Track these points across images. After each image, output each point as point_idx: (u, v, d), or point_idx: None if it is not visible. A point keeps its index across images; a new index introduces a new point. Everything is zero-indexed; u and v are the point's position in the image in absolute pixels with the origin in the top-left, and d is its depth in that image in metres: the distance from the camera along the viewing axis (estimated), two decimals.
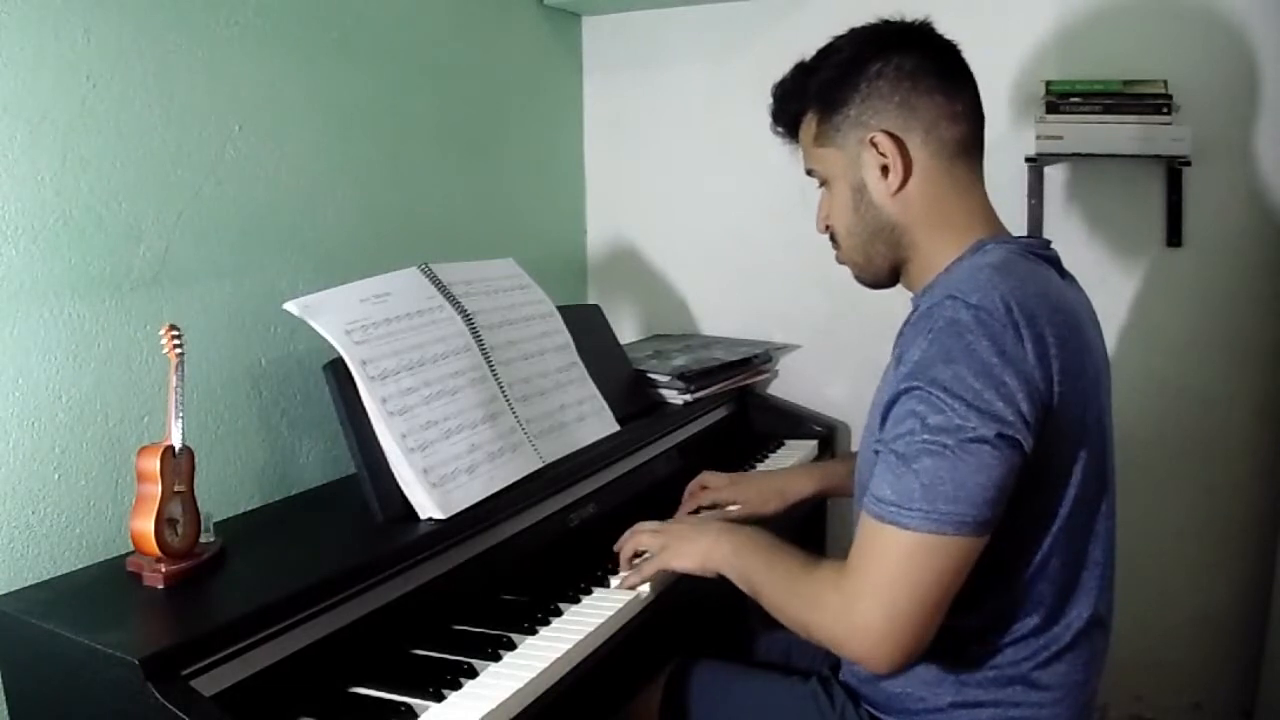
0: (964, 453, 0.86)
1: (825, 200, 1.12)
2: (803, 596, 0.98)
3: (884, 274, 1.11)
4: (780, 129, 1.15)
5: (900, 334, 1.07)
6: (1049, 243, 1.07)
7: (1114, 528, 1.03)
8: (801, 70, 1.12)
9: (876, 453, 0.94)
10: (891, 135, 1.02)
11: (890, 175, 1.03)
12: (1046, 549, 0.95)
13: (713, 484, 1.47)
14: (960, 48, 1.07)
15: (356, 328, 1.18)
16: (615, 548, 1.24)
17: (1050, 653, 0.98)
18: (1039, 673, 0.98)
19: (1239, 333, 1.71)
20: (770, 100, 1.15)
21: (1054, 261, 1.05)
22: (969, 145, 1.05)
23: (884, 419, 0.94)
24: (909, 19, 1.08)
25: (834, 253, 1.14)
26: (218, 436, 1.29)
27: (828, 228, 1.13)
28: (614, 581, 1.20)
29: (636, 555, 1.21)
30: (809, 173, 1.13)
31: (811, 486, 1.46)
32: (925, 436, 0.87)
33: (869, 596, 0.89)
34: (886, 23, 1.08)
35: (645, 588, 1.17)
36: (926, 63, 1.04)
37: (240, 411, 1.32)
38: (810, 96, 1.10)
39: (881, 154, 1.03)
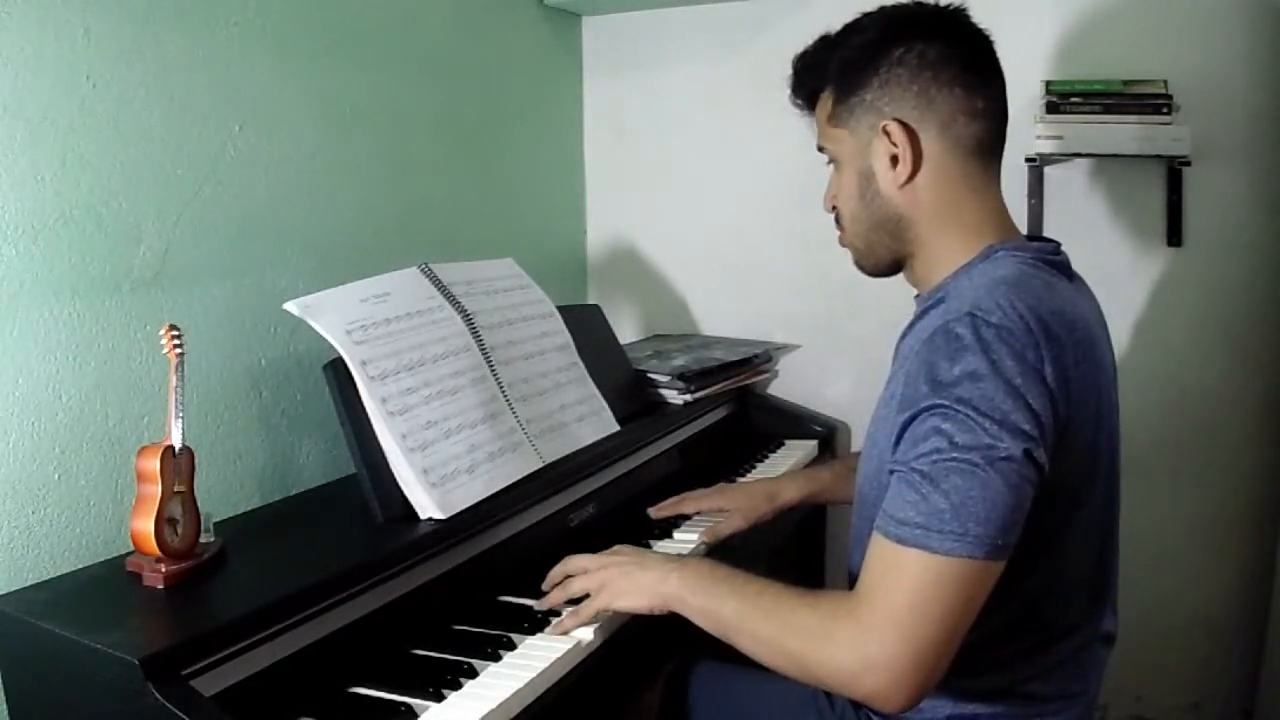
0: (995, 472, 0.82)
1: (834, 180, 1.09)
2: (802, 629, 0.89)
3: (884, 264, 1.08)
4: (799, 101, 1.12)
5: (902, 339, 1.06)
6: (1059, 246, 1.04)
7: (1118, 544, 1.02)
8: (824, 45, 1.08)
9: (892, 472, 0.88)
10: (904, 125, 0.99)
11: (899, 166, 1.00)
12: (1052, 568, 0.94)
13: (695, 495, 1.44)
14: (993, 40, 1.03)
15: (356, 328, 1.18)
16: (545, 588, 1.14)
17: (1051, 666, 0.97)
18: (1038, 684, 0.97)
19: (1239, 333, 1.71)
20: (790, 71, 1.11)
21: (1064, 267, 1.03)
22: (987, 144, 1.01)
23: (899, 437, 0.89)
24: (943, 3, 1.04)
25: (837, 235, 1.12)
26: (218, 436, 1.29)
27: (834, 208, 1.10)
28: (566, 611, 1.09)
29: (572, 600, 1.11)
30: (820, 149, 1.10)
31: (800, 492, 1.44)
32: (954, 455, 0.83)
33: (890, 626, 0.83)
34: (919, 5, 1.04)
35: (588, 632, 1.07)
36: (951, 53, 0.99)
37: (240, 411, 1.32)
38: (830, 73, 1.06)
39: (893, 143, 1.00)
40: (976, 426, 0.83)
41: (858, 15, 1.07)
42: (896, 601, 0.83)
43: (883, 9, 1.05)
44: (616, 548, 1.13)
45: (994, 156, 1.03)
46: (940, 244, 1.02)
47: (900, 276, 1.11)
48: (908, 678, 0.82)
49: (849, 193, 1.06)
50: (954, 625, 0.83)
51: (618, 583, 1.05)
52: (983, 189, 1.02)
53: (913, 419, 0.87)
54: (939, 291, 1.01)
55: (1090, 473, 0.94)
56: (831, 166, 1.10)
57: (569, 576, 1.12)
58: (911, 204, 1.02)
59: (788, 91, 1.13)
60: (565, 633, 1.07)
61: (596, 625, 1.08)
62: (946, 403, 0.85)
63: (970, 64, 1.01)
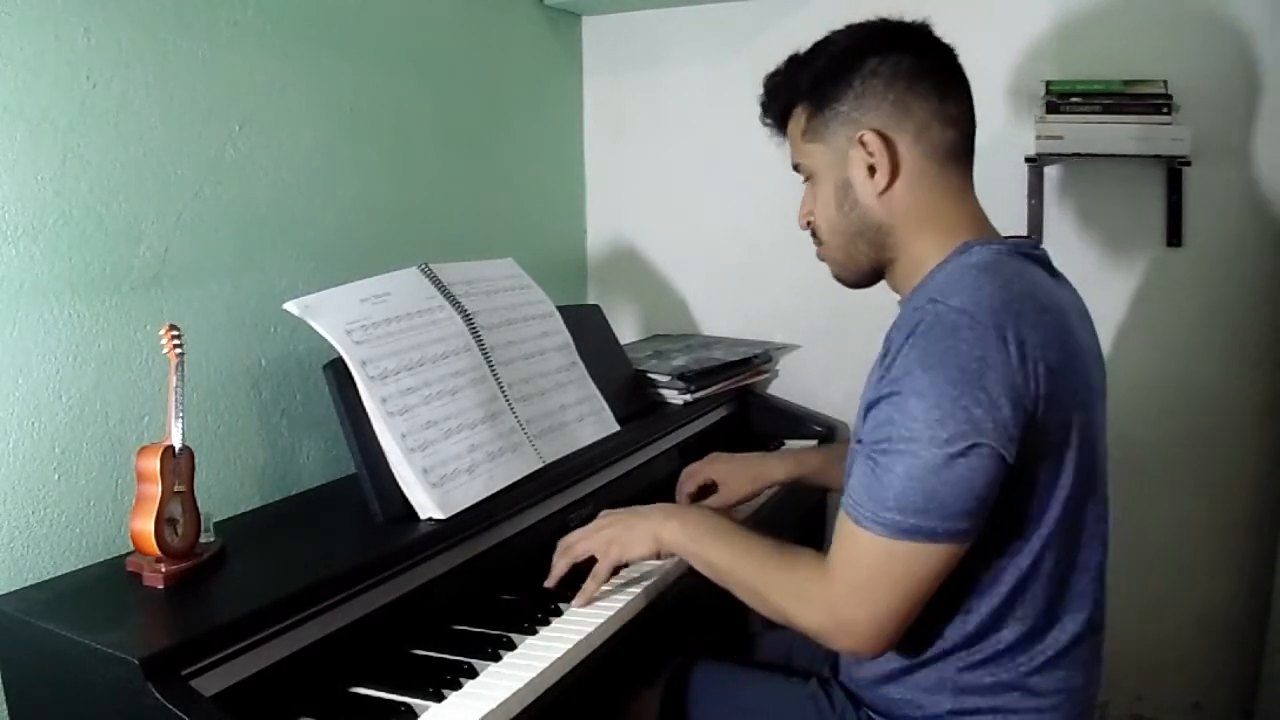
0: (935, 462, 0.86)
1: (809, 195, 1.11)
2: (783, 588, 0.98)
3: (865, 273, 1.10)
4: (769, 121, 1.14)
5: (887, 336, 1.08)
6: (1038, 243, 1.07)
7: (1107, 532, 1.03)
8: (795, 63, 1.10)
9: (855, 450, 0.95)
10: (881, 134, 1.01)
11: (877, 175, 1.02)
12: (1035, 554, 0.95)
13: (690, 469, 1.49)
14: (957, 50, 1.06)
15: (356, 328, 1.18)
16: (551, 580, 1.17)
17: (1046, 658, 0.97)
18: (1036, 679, 0.97)
19: (1239, 332, 1.71)
20: (761, 92, 1.13)
21: (1043, 261, 1.04)
22: (960, 149, 1.04)
23: (865, 420, 0.94)
24: (908, 19, 1.06)
25: (815, 250, 1.13)
26: (218, 436, 1.29)
27: (809, 223, 1.12)
28: (568, 614, 1.11)
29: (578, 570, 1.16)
30: (795, 167, 1.12)
31: (786, 472, 1.46)
32: (901, 444, 0.88)
33: (851, 597, 0.91)
34: (885, 21, 1.07)
35: (617, 609, 1.11)
36: (923, 63, 1.02)
37: (240, 411, 1.32)
38: (802, 90, 1.08)
39: (869, 153, 1.02)
40: (921, 416, 0.87)
41: (830, 31, 1.09)
42: (857, 575, 0.91)
43: (849, 25, 1.08)
44: (605, 512, 1.19)
45: (966, 162, 1.06)
46: (919, 248, 1.04)
47: None
48: (872, 638, 0.92)
49: (827, 205, 1.07)
50: (912, 596, 0.90)
51: (621, 537, 1.12)
52: (959, 193, 1.05)
53: (873, 404, 0.92)
54: (917, 290, 1.03)
55: (1063, 454, 0.94)
56: (806, 183, 1.11)
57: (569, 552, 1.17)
58: (890, 211, 1.04)
59: (759, 113, 1.14)
60: (589, 600, 1.13)
61: (612, 612, 1.11)
62: (899, 391, 0.89)
63: (941, 74, 1.04)
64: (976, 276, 0.93)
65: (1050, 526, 0.94)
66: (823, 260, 1.13)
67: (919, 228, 1.03)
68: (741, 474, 1.46)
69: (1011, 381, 0.87)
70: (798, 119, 1.09)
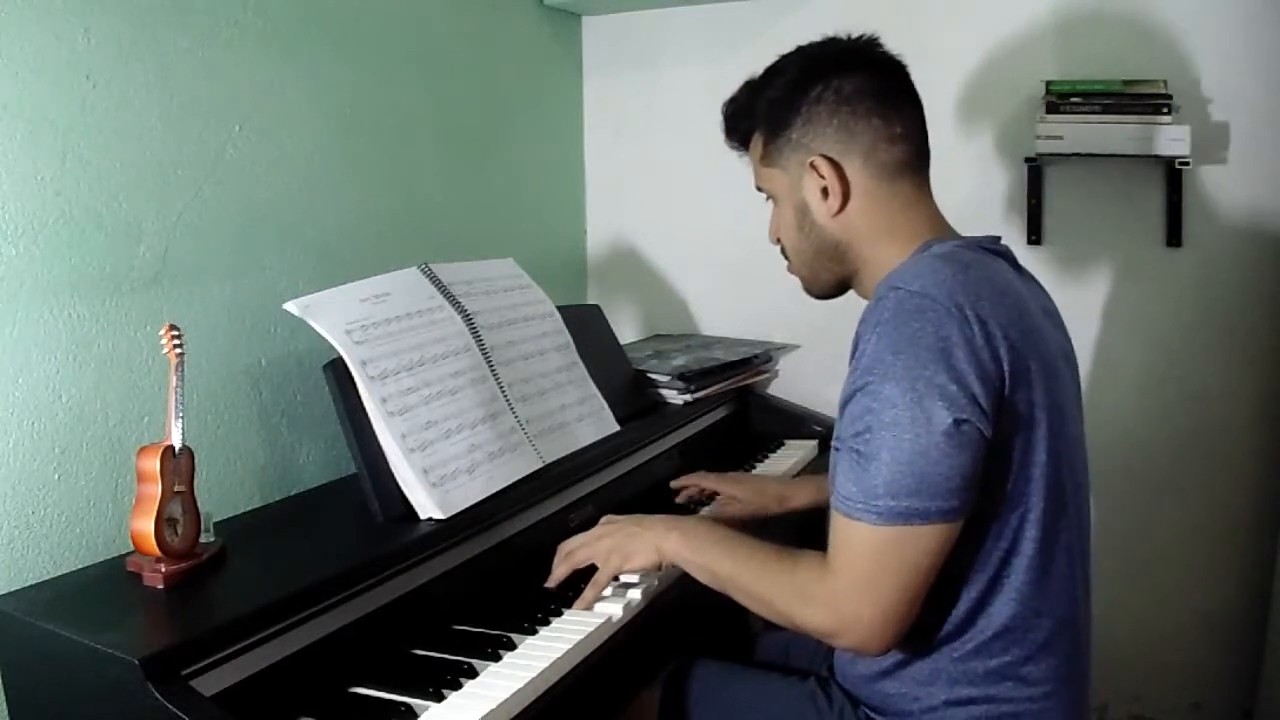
0: (920, 444, 0.87)
1: (774, 215, 1.15)
2: (785, 592, 0.98)
3: (830, 287, 1.15)
4: (734, 144, 1.18)
5: (856, 332, 1.09)
6: (999, 238, 1.09)
7: (1087, 516, 1.04)
8: (750, 89, 1.15)
9: (836, 450, 0.96)
10: (829, 159, 1.05)
11: (830, 198, 1.06)
12: (1014, 535, 0.96)
13: (712, 476, 1.50)
14: (907, 64, 1.09)
15: (356, 328, 1.18)
16: (552, 582, 1.17)
17: (1036, 646, 0.98)
18: (1029, 668, 0.98)
19: (1238, 332, 1.71)
20: (721, 116, 1.18)
21: (1006, 256, 1.07)
22: (910, 163, 1.07)
23: (841, 416, 0.95)
24: (856, 35, 1.10)
25: (785, 265, 1.18)
26: (218, 436, 1.29)
27: (778, 240, 1.16)
28: (567, 614, 1.11)
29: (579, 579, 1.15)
30: (759, 188, 1.16)
31: (810, 498, 1.46)
32: (881, 433, 0.89)
33: (854, 593, 0.91)
34: (833, 40, 1.10)
35: (618, 610, 1.11)
36: (867, 85, 1.05)
37: (240, 411, 1.32)
38: (758, 116, 1.12)
39: (821, 176, 1.05)
40: (899, 402, 0.88)
41: (781, 55, 1.13)
42: (856, 571, 0.92)
43: (800, 49, 1.12)
44: (608, 517, 1.19)
45: (920, 172, 1.09)
46: (881, 258, 1.07)
47: None
48: (879, 633, 0.92)
49: (789, 227, 1.13)
50: (914, 583, 0.91)
51: (623, 546, 1.13)
52: (914, 202, 1.08)
53: (849, 398, 0.94)
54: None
55: (1031, 434, 0.95)
56: (771, 203, 1.15)
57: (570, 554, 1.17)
58: (847, 229, 1.08)
59: (723, 136, 1.19)
60: (588, 606, 1.12)
61: (625, 601, 1.12)
62: (872, 380, 0.90)
63: (884, 93, 1.06)
64: (933, 262, 0.95)
65: (1027, 506, 0.96)
66: (791, 274, 1.18)
67: (877, 241, 1.07)
68: (767, 492, 1.47)
69: (978, 358, 0.89)
70: (756, 145, 1.14)
